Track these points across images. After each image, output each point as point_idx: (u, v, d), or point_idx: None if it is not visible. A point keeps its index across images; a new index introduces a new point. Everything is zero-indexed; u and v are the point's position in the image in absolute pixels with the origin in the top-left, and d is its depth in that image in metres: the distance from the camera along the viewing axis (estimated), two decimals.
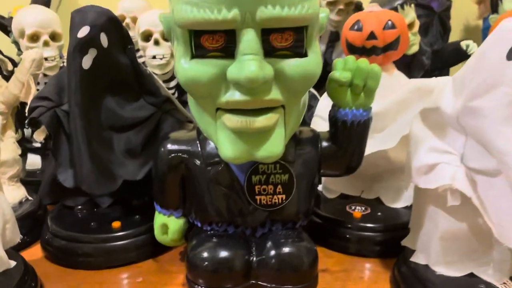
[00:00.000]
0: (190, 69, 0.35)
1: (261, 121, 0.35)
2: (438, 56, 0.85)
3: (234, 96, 0.35)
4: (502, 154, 0.35)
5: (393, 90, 0.53)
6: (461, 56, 0.83)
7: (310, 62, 0.36)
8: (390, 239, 0.50)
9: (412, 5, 0.74)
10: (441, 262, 0.42)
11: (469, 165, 0.39)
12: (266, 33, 0.34)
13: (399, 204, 0.56)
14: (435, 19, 0.87)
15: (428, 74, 0.82)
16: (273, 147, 0.37)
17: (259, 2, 0.32)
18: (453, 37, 0.96)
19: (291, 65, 0.35)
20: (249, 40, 0.33)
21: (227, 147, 0.37)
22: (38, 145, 0.71)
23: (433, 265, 0.42)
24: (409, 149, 0.43)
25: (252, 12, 0.32)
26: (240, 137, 0.36)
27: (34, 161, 0.73)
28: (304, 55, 0.36)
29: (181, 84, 0.36)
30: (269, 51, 0.34)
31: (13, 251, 0.44)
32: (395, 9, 0.70)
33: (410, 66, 0.80)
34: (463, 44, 0.83)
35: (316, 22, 0.36)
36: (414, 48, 0.74)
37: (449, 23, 0.90)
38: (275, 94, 0.35)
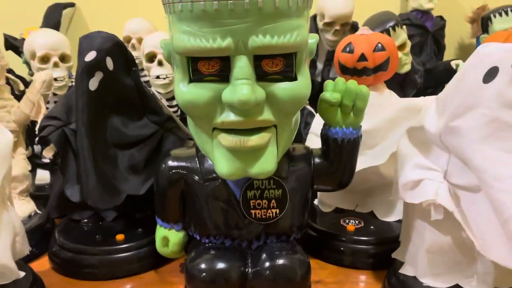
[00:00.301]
0: (188, 92, 0.37)
1: (254, 140, 0.38)
2: (431, 75, 0.86)
3: (229, 117, 0.37)
4: (480, 171, 0.37)
5: (384, 108, 0.55)
6: (452, 75, 0.81)
7: (300, 85, 0.38)
8: (382, 251, 0.52)
9: (404, 27, 0.75)
10: (428, 274, 0.43)
11: (452, 181, 0.41)
12: (258, 59, 0.36)
13: (391, 218, 0.58)
14: (429, 38, 0.89)
15: (421, 92, 0.82)
16: (266, 164, 0.39)
17: (251, 32, 0.34)
18: (447, 55, 0.98)
19: (282, 88, 0.37)
20: (242, 66, 0.35)
21: (222, 164, 0.39)
22: (47, 161, 0.71)
23: (420, 277, 0.44)
24: (397, 165, 0.45)
25: (245, 41, 0.35)
26: (235, 155, 0.39)
27: (43, 176, 0.75)
28: (294, 78, 0.38)
29: (180, 106, 0.39)
30: (261, 75, 0.37)
31: (22, 262, 0.46)
32: (387, 31, 0.72)
33: (403, 85, 0.81)
34: (453, 63, 0.84)
35: (305, 48, 0.39)
36: (406, 67, 0.76)
37: (443, 41, 0.92)
38: (267, 115, 0.38)
